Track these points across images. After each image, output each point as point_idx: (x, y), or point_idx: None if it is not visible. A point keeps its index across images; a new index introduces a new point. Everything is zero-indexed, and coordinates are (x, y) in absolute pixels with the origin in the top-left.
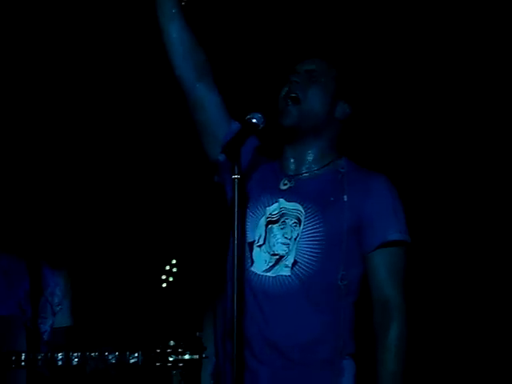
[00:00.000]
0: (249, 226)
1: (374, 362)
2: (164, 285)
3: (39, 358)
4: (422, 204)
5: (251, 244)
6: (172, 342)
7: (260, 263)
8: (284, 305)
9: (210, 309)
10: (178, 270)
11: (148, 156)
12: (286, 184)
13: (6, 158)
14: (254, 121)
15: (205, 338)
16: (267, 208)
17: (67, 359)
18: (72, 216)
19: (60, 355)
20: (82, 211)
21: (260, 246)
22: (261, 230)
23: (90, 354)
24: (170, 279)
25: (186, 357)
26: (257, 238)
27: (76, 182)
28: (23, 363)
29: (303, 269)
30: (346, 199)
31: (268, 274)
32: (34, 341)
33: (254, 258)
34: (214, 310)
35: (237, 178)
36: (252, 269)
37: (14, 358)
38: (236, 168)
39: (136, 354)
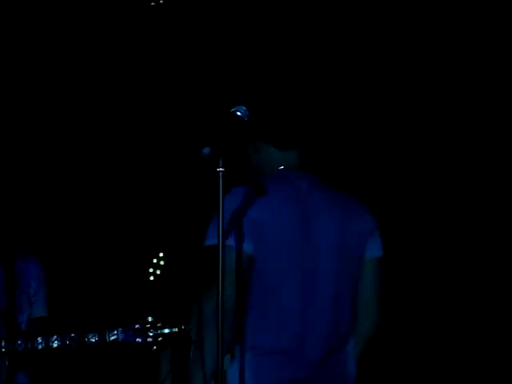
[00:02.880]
0: None
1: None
2: (151, 278)
3: (19, 343)
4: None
5: None
6: (150, 318)
7: None
8: None
9: (196, 302)
10: (165, 262)
11: (136, 150)
12: None
13: None
14: (239, 114)
15: (191, 331)
16: None
17: (47, 343)
18: (47, 208)
19: (39, 339)
20: (62, 204)
21: None
22: None
23: (69, 335)
24: (158, 272)
25: (166, 330)
26: None
27: (65, 177)
28: (3, 349)
29: None
30: None
31: None
32: (12, 331)
33: None
34: (200, 303)
35: (221, 170)
36: None
37: None
38: (221, 161)
39: (115, 332)
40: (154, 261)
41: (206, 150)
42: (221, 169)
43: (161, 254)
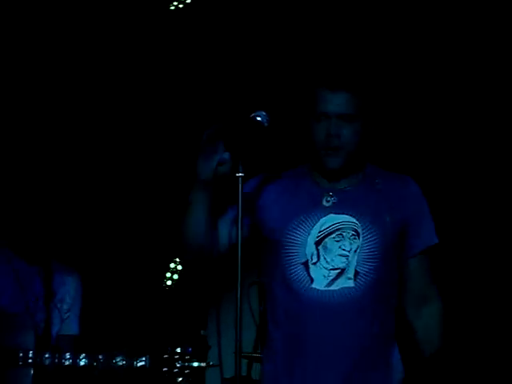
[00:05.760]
0: (298, 247)
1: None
2: (169, 283)
3: (47, 356)
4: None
5: (306, 263)
6: (179, 349)
7: (320, 279)
8: (350, 316)
9: (214, 307)
10: (182, 268)
11: (152, 154)
12: (328, 200)
13: (15, 166)
14: (259, 119)
15: (209, 336)
16: (315, 226)
17: (74, 360)
18: (78, 219)
19: (68, 355)
20: (84, 212)
21: (315, 264)
22: (311, 248)
23: (97, 355)
24: (175, 277)
25: (194, 364)
26: (309, 257)
27: (78, 182)
28: (30, 360)
29: (365, 279)
30: (388, 217)
31: (331, 288)
32: (43, 344)
33: (312, 275)
34: (218, 308)
35: (241, 175)
36: (313, 286)
37: (21, 355)
38: (240, 166)
39: (144, 358)
40: (172, 265)
41: (226, 155)
42: (240, 174)
43: (178, 259)
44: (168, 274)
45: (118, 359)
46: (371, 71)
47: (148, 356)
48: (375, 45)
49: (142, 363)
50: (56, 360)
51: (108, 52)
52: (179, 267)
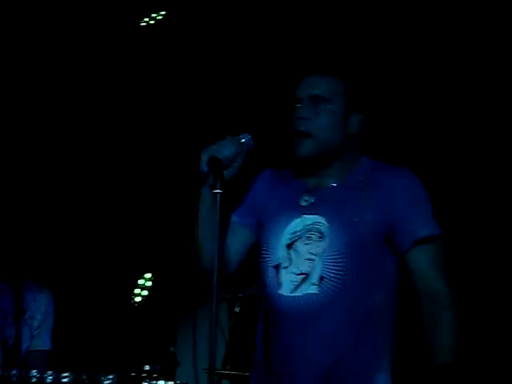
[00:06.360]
0: (272, 249)
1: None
2: (138, 299)
3: (14, 372)
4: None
5: (277, 267)
6: (147, 367)
7: (287, 285)
8: (314, 324)
9: (184, 323)
10: (152, 284)
11: (122, 169)
12: (306, 200)
13: None
14: (243, 141)
15: (178, 352)
16: (288, 227)
17: (41, 377)
18: (48, 237)
19: (34, 372)
20: (54, 230)
21: (286, 268)
22: (283, 251)
23: (63, 373)
24: (144, 293)
25: (161, 383)
26: (282, 261)
27: (47, 202)
28: None
29: (330, 285)
30: (370, 214)
31: (295, 294)
32: (11, 360)
33: (281, 280)
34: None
35: (219, 192)
36: (280, 291)
37: None
38: (218, 182)
39: (111, 376)
40: (141, 282)
41: (205, 169)
42: (218, 190)
43: (148, 275)
44: (137, 291)
45: (84, 377)
46: (360, 59)
47: (115, 374)
48: (369, 34)
49: (109, 382)
50: (23, 375)
51: (107, 52)
52: (148, 283)
